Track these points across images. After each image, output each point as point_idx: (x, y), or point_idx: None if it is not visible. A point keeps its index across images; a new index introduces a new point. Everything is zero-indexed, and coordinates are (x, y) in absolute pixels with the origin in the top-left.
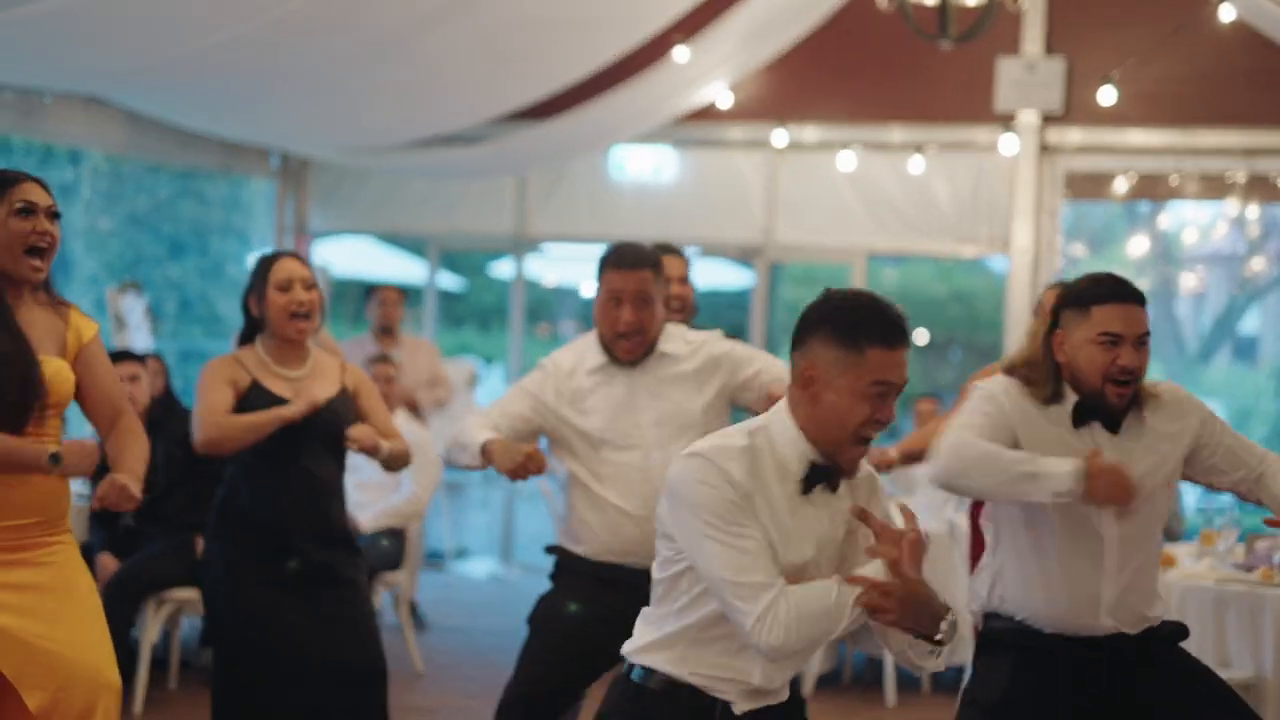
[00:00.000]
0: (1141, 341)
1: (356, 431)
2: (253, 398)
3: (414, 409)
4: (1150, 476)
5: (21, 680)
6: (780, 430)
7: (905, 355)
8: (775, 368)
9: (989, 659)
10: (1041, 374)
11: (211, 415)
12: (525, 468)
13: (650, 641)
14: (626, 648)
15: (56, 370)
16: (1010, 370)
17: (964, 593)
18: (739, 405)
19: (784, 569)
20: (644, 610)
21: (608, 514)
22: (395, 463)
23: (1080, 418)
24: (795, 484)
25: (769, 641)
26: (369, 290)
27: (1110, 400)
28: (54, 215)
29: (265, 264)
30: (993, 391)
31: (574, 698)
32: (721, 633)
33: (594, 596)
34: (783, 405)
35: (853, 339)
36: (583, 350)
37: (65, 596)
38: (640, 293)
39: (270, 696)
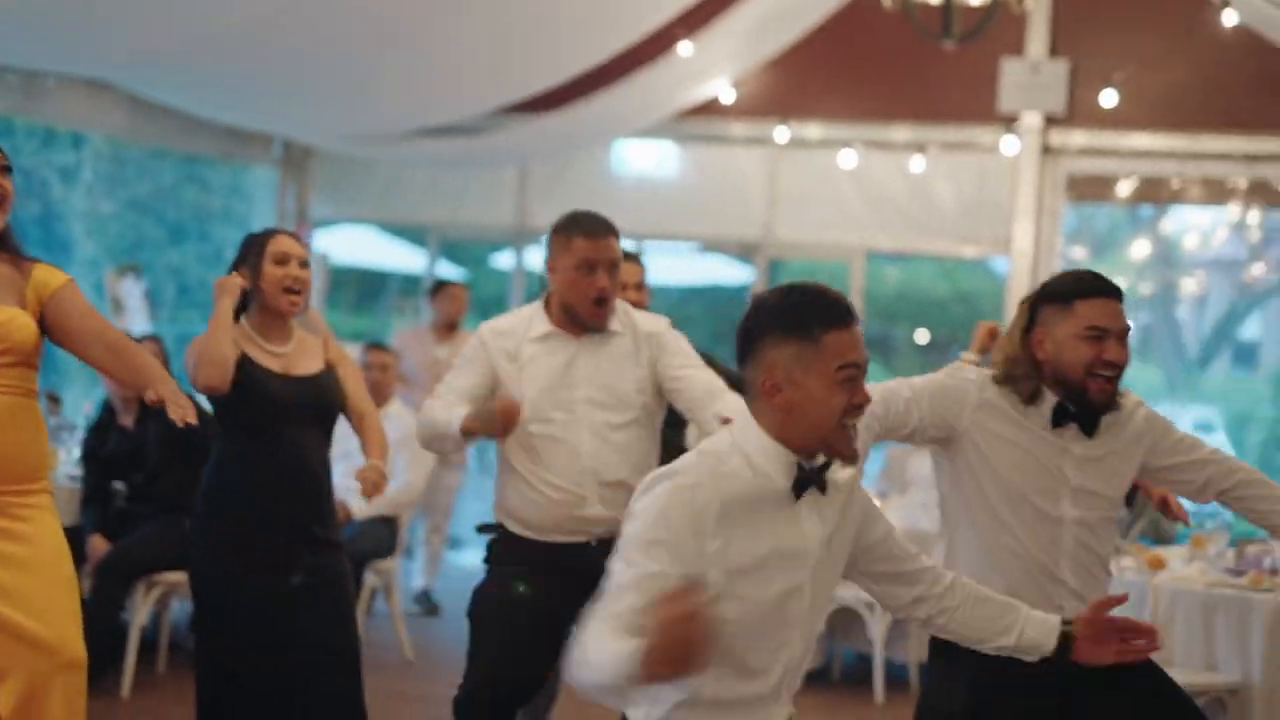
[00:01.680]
0: (1124, 336)
1: (362, 475)
2: (241, 372)
3: None
4: (1117, 478)
5: None
6: (752, 443)
7: (860, 332)
8: (701, 379)
9: (946, 665)
10: (1024, 372)
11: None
12: (508, 417)
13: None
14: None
15: (10, 318)
16: (1002, 381)
17: None
18: (672, 402)
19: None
20: None
21: (538, 490)
22: (381, 450)
23: (1059, 419)
24: (786, 494)
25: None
26: (438, 285)
27: (1092, 395)
28: (5, 169)
29: (261, 239)
30: (964, 385)
31: (533, 687)
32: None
33: (529, 581)
34: (746, 422)
35: (806, 330)
36: (526, 319)
37: (33, 563)
38: (612, 260)
39: (251, 674)
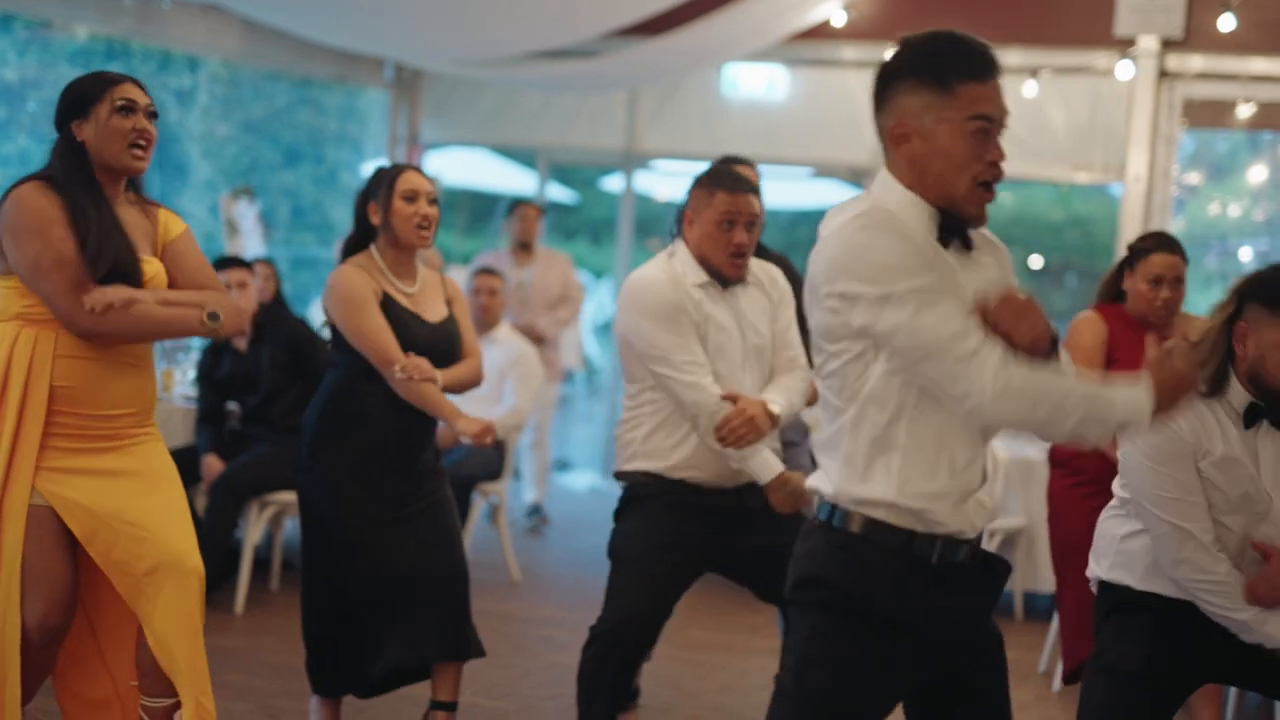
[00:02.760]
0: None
1: (467, 432)
2: (387, 312)
3: (537, 338)
4: None
5: (109, 562)
6: (893, 198)
7: (999, 86)
8: (791, 353)
9: (1122, 621)
10: (1212, 363)
11: (390, 352)
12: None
13: (841, 475)
14: (821, 487)
15: (156, 272)
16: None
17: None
18: None
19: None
20: (817, 443)
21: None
22: (460, 388)
23: (1251, 419)
24: (931, 241)
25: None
26: (511, 205)
27: None
28: (152, 115)
29: (391, 174)
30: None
31: (662, 626)
32: (917, 432)
33: (674, 522)
34: (883, 177)
35: (939, 78)
36: (678, 268)
37: (151, 482)
38: (752, 215)
39: (358, 599)
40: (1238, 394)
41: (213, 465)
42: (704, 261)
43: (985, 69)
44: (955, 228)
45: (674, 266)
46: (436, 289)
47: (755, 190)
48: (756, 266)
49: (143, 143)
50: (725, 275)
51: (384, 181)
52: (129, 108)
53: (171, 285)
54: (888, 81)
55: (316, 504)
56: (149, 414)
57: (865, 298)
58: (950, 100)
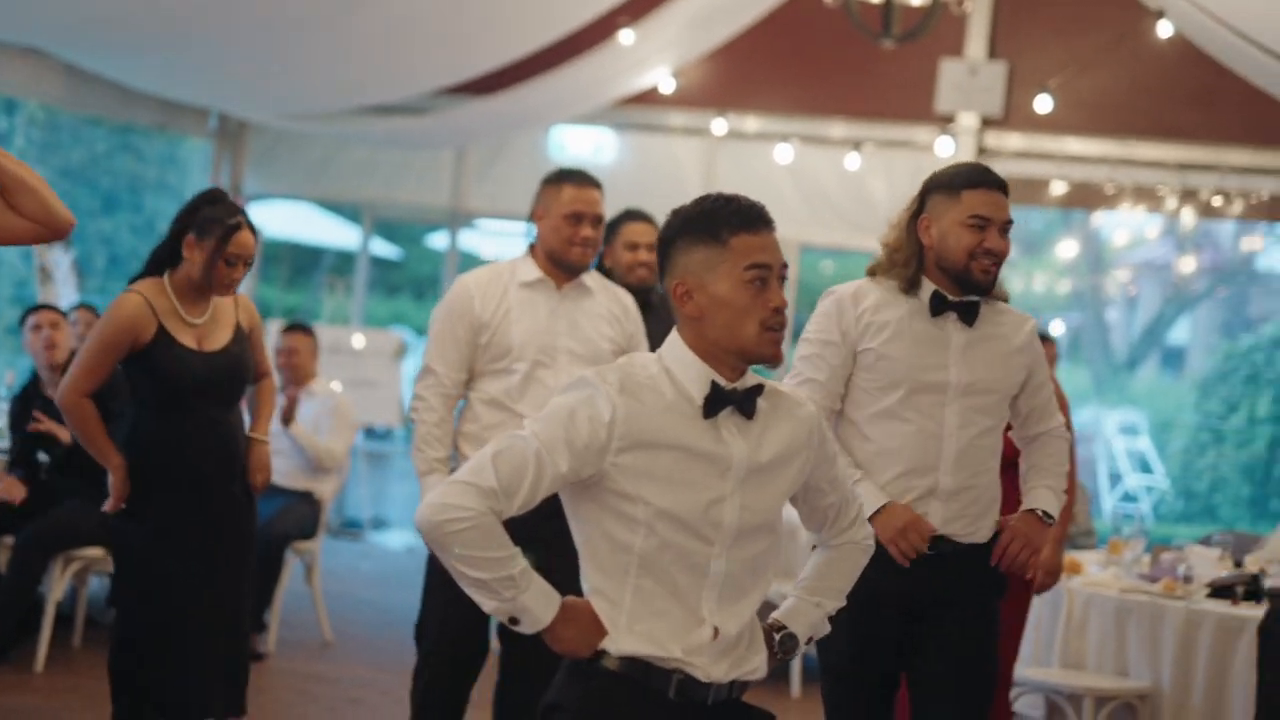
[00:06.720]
0: (1006, 228)
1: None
2: (159, 349)
3: None
4: (993, 381)
5: None
6: (674, 360)
7: (773, 238)
8: None
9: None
10: (905, 256)
11: (84, 384)
12: None
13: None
14: None
15: None
16: (873, 272)
17: None
18: None
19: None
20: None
21: (514, 422)
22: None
23: (937, 308)
24: (698, 410)
25: (419, 512)
26: None
27: (976, 276)
28: None
29: (227, 229)
30: (832, 308)
31: (483, 651)
32: (657, 578)
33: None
34: (672, 337)
35: (713, 234)
36: (509, 266)
37: None
38: (597, 213)
39: (163, 636)
40: (927, 288)
41: (13, 489)
42: (552, 255)
43: (757, 221)
44: (726, 400)
45: (504, 264)
46: (228, 317)
47: (600, 188)
48: (614, 287)
49: None
50: (573, 263)
51: (215, 231)
52: None
53: None
54: (666, 246)
55: (127, 544)
56: None
57: None
58: (726, 253)
